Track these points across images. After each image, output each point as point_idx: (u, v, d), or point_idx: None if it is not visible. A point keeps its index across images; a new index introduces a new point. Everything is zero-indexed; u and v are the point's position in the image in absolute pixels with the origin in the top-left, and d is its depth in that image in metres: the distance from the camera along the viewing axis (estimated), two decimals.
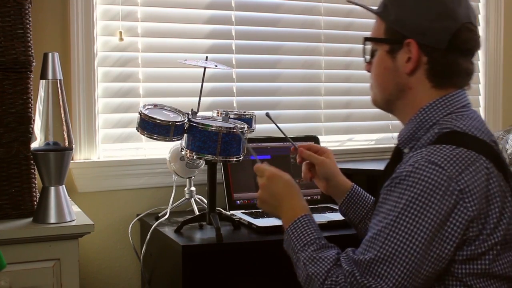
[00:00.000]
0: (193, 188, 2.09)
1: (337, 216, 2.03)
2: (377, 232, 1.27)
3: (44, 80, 1.75)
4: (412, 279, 1.24)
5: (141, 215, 2.20)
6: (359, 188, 1.72)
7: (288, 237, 1.44)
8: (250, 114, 2.05)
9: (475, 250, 1.27)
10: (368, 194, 1.72)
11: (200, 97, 1.97)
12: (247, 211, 2.10)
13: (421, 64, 1.38)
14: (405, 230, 1.24)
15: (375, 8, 1.48)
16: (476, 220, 1.26)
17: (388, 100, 1.46)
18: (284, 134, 1.78)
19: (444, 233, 1.25)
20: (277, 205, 1.51)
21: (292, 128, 2.47)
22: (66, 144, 1.76)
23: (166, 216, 2.06)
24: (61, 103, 1.75)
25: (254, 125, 2.06)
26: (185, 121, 1.84)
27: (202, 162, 2.04)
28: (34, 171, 1.80)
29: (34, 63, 1.79)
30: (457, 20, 1.37)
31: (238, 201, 2.17)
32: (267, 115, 1.80)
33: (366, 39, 1.47)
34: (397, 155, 1.50)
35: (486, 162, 1.29)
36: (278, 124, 1.79)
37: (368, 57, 1.49)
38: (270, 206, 1.52)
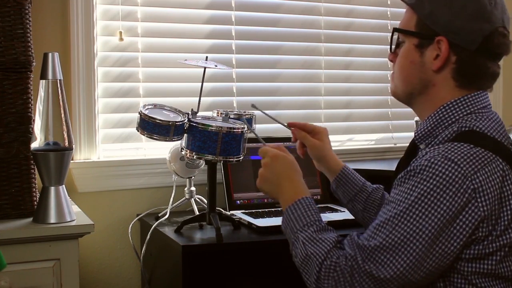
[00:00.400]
0: (193, 188, 2.09)
1: (337, 216, 2.03)
2: (385, 220, 1.27)
3: (44, 80, 1.75)
4: (413, 270, 1.24)
5: (141, 215, 2.19)
6: (350, 170, 1.72)
7: (288, 216, 1.42)
8: (250, 114, 2.05)
9: (483, 250, 1.27)
10: (359, 177, 1.72)
11: (200, 97, 1.97)
12: (247, 211, 2.10)
13: (449, 63, 1.37)
14: (413, 222, 1.24)
15: None
16: (487, 220, 1.25)
17: (410, 94, 1.44)
18: (273, 118, 1.77)
19: (453, 230, 1.24)
20: (277, 183, 1.48)
21: None
22: (66, 144, 1.76)
23: (166, 216, 2.06)
24: (61, 103, 1.75)
25: (254, 125, 2.06)
26: (185, 121, 1.84)
27: (202, 162, 2.04)
28: (34, 171, 1.80)
29: (34, 63, 1.79)
30: (491, 23, 1.35)
31: (238, 201, 2.17)
32: (253, 106, 1.78)
33: (395, 29, 1.45)
34: (412, 150, 1.50)
35: (503, 164, 1.28)
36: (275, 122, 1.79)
37: (393, 46, 1.46)
38: (270, 184, 1.50)
